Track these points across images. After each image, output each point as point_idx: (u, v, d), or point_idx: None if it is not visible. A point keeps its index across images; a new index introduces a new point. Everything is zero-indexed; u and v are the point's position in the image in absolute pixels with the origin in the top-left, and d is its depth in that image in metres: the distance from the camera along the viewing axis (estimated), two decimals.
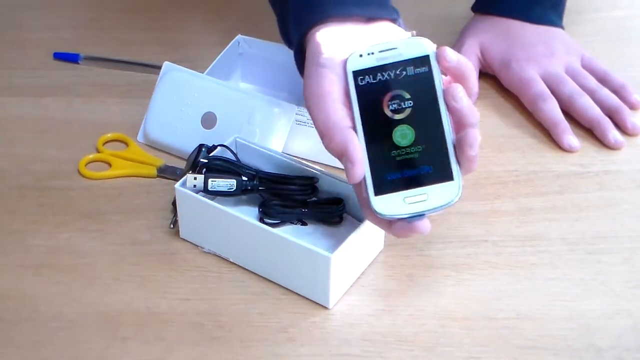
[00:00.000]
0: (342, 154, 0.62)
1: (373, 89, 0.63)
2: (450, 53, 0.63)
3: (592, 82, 0.91)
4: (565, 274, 0.73)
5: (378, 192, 0.62)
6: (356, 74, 0.63)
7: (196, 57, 0.97)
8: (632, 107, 0.90)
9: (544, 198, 0.81)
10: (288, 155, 0.77)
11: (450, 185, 0.62)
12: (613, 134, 0.86)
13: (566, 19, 0.98)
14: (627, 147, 0.87)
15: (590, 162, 0.85)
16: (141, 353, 0.66)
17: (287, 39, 0.75)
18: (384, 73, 0.63)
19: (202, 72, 0.85)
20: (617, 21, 1.06)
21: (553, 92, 0.89)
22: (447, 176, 0.62)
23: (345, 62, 0.64)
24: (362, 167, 0.61)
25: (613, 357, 0.66)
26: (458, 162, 0.62)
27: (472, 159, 0.62)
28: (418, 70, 0.63)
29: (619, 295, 0.71)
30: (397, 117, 0.63)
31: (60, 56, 0.98)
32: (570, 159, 0.85)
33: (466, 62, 0.63)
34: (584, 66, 0.93)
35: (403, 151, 0.62)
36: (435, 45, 0.64)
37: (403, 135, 0.63)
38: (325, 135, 0.63)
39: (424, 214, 0.62)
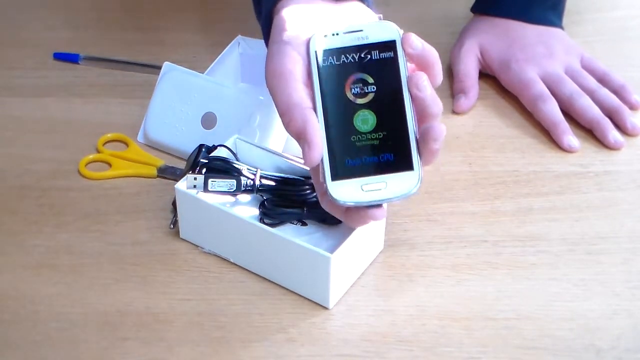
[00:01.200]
0: (300, 136, 0.60)
1: (336, 71, 0.61)
2: (415, 40, 0.61)
3: (592, 83, 0.91)
4: (565, 274, 0.73)
5: (335, 177, 0.60)
6: (319, 54, 0.62)
7: (197, 57, 0.97)
8: (632, 107, 0.90)
9: (544, 198, 0.81)
10: (288, 156, 0.77)
11: (410, 176, 0.60)
12: (613, 135, 0.86)
13: (566, 19, 0.98)
14: (627, 147, 0.87)
15: (590, 163, 0.85)
16: (141, 353, 0.67)
17: (259, 15, 0.73)
18: (347, 55, 0.61)
19: (202, 72, 0.85)
20: (617, 21, 1.06)
21: (553, 93, 0.89)
22: (407, 166, 0.60)
23: (308, 41, 0.62)
24: (319, 150, 0.59)
25: (613, 357, 0.66)
26: (419, 153, 0.60)
27: (435, 153, 0.60)
28: (383, 55, 0.61)
29: (619, 295, 0.71)
30: (359, 101, 0.61)
31: (60, 56, 0.98)
32: (570, 159, 0.85)
33: (431, 50, 0.62)
34: (584, 66, 0.93)
35: (363, 137, 0.60)
36: (402, 31, 0.62)
37: (364, 121, 0.61)
38: (285, 115, 0.61)
39: (381, 203, 0.60)
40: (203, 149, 0.76)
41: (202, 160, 0.75)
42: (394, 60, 0.61)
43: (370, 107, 0.61)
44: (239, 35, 0.91)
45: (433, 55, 0.62)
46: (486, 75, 0.95)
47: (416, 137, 0.60)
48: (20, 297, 0.71)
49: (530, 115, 0.90)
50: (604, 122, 0.87)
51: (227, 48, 0.89)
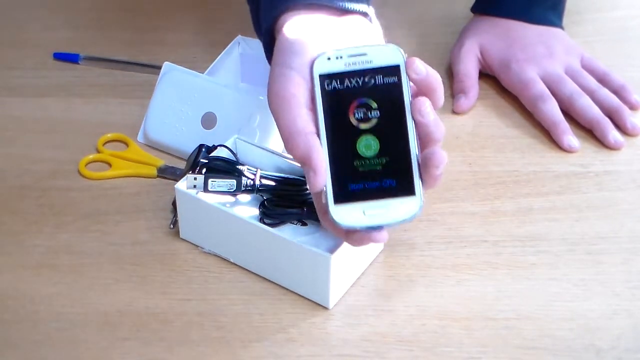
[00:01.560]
0: (304, 161, 0.60)
1: (339, 95, 0.61)
2: (419, 65, 0.61)
3: (592, 83, 0.91)
4: (565, 274, 0.73)
5: (337, 201, 0.60)
6: (323, 77, 0.61)
7: (196, 57, 0.97)
8: (632, 107, 0.90)
9: (544, 198, 0.81)
10: (288, 156, 0.77)
11: (411, 200, 0.60)
12: (613, 135, 0.86)
13: (566, 19, 0.98)
14: (627, 147, 0.87)
15: (590, 163, 0.85)
16: (141, 353, 0.67)
17: (259, 30, 0.73)
18: (351, 79, 0.61)
19: (202, 73, 0.85)
20: (617, 21, 1.06)
21: (553, 93, 0.89)
22: (408, 191, 0.60)
23: (312, 64, 0.62)
24: (324, 176, 0.60)
25: (613, 357, 0.66)
26: (421, 178, 0.60)
27: (437, 179, 0.60)
28: (387, 79, 0.61)
29: (619, 295, 0.71)
30: (363, 126, 0.61)
31: (60, 56, 0.98)
32: (570, 159, 0.85)
33: (435, 75, 0.61)
34: (584, 66, 0.93)
35: (366, 162, 0.60)
36: (406, 55, 0.62)
37: (367, 146, 0.61)
38: (289, 141, 0.61)
39: (382, 227, 0.60)
40: (203, 149, 0.76)
41: (202, 160, 0.75)
42: (398, 85, 0.61)
43: (373, 132, 0.61)
44: (239, 35, 0.91)
45: (436, 79, 0.61)
46: (486, 75, 0.95)
47: (418, 162, 0.60)
48: (20, 297, 0.71)
49: (530, 115, 0.90)
50: (604, 122, 0.87)
51: (227, 48, 0.89)
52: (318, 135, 0.61)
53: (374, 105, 0.61)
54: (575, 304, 0.70)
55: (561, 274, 0.73)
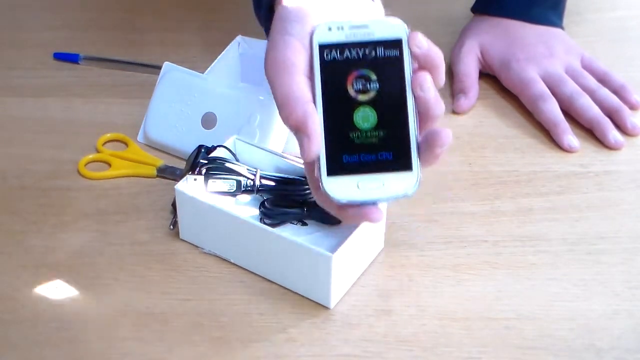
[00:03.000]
0: (299, 129, 0.58)
1: (338, 66, 0.60)
2: (421, 39, 0.60)
3: (592, 82, 0.91)
4: (565, 274, 0.73)
5: (331, 173, 0.58)
6: (322, 47, 0.60)
7: (196, 57, 0.97)
8: (632, 107, 0.90)
9: (544, 198, 0.81)
10: (288, 156, 0.77)
11: (408, 176, 0.58)
12: (613, 134, 0.86)
13: (566, 19, 0.98)
14: (627, 147, 0.87)
15: (590, 163, 0.85)
16: (141, 353, 0.66)
17: (259, 8, 0.71)
18: (352, 50, 0.60)
19: (202, 72, 0.85)
20: (617, 21, 1.06)
21: (553, 93, 0.89)
22: (405, 166, 0.58)
23: (312, 33, 0.60)
24: (318, 143, 0.58)
25: (613, 357, 0.66)
26: (419, 154, 0.59)
27: (438, 158, 0.59)
28: (388, 52, 0.60)
29: (619, 295, 0.71)
30: (361, 97, 0.59)
31: (60, 56, 0.98)
32: (570, 159, 0.85)
33: (437, 51, 0.60)
34: (584, 66, 0.93)
35: (362, 134, 0.59)
36: (409, 29, 0.60)
37: (365, 118, 0.59)
38: (284, 108, 0.59)
39: (376, 202, 0.59)
40: (202, 150, 0.76)
41: (201, 160, 0.75)
42: (399, 59, 0.60)
43: (371, 104, 0.59)
44: (239, 35, 0.90)
45: (438, 56, 0.60)
46: (486, 75, 0.95)
47: (417, 138, 0.59)
48: (20, 297, 0.71)
49: (530, 115, 0.90)
50: (604, 122, 0.87)
51: (227, 48, 0.89)
52: (314, 104, 0.59)
53: (374, 77, 0.60)
54: (576, 304, 0.70)
55: (561, 274, 0.73)
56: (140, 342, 0.67)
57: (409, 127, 0.59)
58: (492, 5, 0.97)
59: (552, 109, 0.88)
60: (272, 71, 0.60)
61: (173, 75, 0.85)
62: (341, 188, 0.58)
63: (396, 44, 0.60)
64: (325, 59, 0.60)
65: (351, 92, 0.60)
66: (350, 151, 0.59)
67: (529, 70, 0.91)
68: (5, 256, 0.74)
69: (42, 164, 0.84)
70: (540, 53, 0.92)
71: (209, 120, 0.83)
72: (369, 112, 0.59)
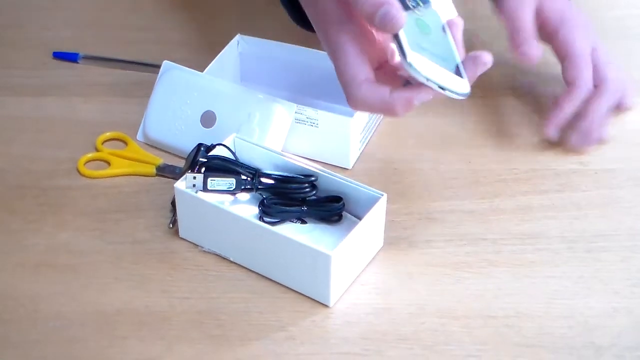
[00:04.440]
0: (380, 5, 0.62)
1: None
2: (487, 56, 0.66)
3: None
4: (564, 272, 0.73)
5: (413, 49, 0.63)
6: None
7: (196, 56, 0.96)
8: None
9: (544, 196, 0.81)
10: (287, 154, 0.77)
11: (463, 82, 0.65)
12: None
13: None
14: (626, 145, 0.87)
15: (589, 160, 0.85)
16: (141, 352, 0.67)
17: None
18: None
19: (202, 71, 0.85)
20: (617, 21, 1.06)
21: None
22: (459, 74, 0.65)
23: None
24: (402, 13, 0.62)
25: (612, 355, 0.66)
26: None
27: (476, 77, 0.66)
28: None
29: (618, 293, 0.71)
30: (417, 12, 0.65)
31: (59, 55, 0.98)
32: (569, 157, 0.85)
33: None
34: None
35: (425, 37, 0.64)
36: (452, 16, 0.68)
37: (424, 26, 0.65)
38: None
39: (444, 88, 0.63)
40: (202, 148, 0.76)
41: (201, 159, 0.75)
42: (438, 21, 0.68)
43: (425, 19, 0.66)
44: (239, 35, 0.90)
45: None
46: (486, 73, 0.95)
47: (461, 61, 0.66)
48: (20, 296, 0.71)
49: (530, 114, 0.90)
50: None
51: (226, 47, 0.89)
52: None
53: (422, 3, 0.67)
54: (575, 302, 0.70)
55: (561, 271, 0.73)
56: (140, 341, 0.67)
57: (453, 49, 0.67)
58: None
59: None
60: None
61: (172, 74, 0.85)
62: (421, 64, 0.62)
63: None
64: None
65: (410, 3, 0.66)
66: (421, 42, 0.64)
67: (584, 40, 0.88)
68: (5, 255, 0.74)
69: (42, 163, 0.84)
70: (590, 27, 0.90)
71: (208, 119, 0.83)
72: (424, 22, 0.66)
